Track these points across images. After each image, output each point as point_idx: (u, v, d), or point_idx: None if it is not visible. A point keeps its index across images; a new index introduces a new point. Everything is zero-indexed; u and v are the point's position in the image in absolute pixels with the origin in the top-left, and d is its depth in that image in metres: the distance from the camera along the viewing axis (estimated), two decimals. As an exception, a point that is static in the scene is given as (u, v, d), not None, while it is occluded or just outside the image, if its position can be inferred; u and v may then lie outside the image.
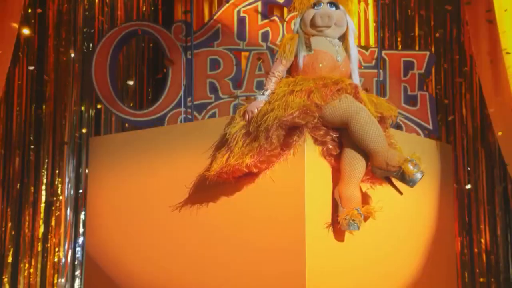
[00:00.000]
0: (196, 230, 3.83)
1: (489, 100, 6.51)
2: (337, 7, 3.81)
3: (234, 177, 3.59)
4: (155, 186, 4.00)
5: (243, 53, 6.86)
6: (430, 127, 6.85)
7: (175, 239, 3.91)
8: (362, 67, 6.82)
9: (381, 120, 3.66)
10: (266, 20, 6.94)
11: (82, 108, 7.31)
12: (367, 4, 7.22)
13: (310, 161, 3.54)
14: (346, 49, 3.85)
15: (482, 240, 6.96)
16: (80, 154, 7.17)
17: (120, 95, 6.95)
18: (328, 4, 3.80)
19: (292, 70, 3.79)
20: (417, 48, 7.31)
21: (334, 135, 3.62)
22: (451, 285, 4.41)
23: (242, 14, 6.90)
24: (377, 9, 6.71)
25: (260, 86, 6.73)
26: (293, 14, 4.15)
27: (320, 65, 3.70)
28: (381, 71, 6.83)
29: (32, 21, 7.11)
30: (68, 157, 7.07)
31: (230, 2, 6.73)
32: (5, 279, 6.81)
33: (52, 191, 7.06)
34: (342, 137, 3.62)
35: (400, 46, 7.35)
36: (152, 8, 7.59)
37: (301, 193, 3.50)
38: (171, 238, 3.92)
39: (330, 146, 3.61)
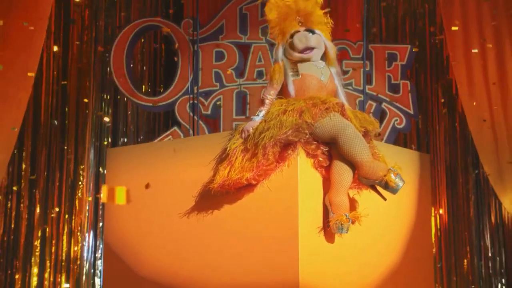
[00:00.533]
0: (201, 234, 3.90)
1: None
2: (313, 33, 3.92)
3: (235, 188, 3.74)
4: (166, 192, 4.05)
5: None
6: (411, 112, 7.09)
7: (183, 240, 3.98)
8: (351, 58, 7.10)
9: (366, 133, 3.81)
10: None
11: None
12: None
13: (303, 172, 3.68)
14: (329, 63, 3.96)
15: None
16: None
17: (136, 84, 7.18)
18: (305, 30, 3.93)
19: (283, 93, 3.89)
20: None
21: (324, 149, 3.75)
22: (429, 271, 4.50)
23: (244, 11, 7.16)
24: (364, 6, 6.84)
25: (260, 75, 7.08)
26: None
27: (308, 87, 3.83)
28: (368, 62, 7.08)
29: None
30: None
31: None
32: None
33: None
34: (331, 150, 3.74)
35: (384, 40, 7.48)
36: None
37: (295, 201, 3.62)
38: (179, 239, 3.99)
39: (321, 159, 3.75)
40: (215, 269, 3.88)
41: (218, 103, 7.08)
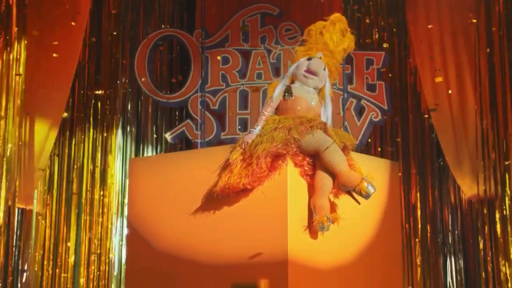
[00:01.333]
0: (207, 226, 3.86)
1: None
2: (324, 68, 3.94)
3: (234, 192, 3.71)
4: (181, 191, 4.01)
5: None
6: (386, 107, 7.10)
7: (193, 227, 3.92)
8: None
9: (344, 148, 3.79)
10: (264, 28, 7.16)
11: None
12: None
13: (291, 179, 3.67)
14: (322, 97, 3.96)
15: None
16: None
17: (156, 84, 7.19)
18: (318, 59, 3.93)
19: (277, 110, 3.88)
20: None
21: (309, 160, 3.73)
22: (396, 251, 4.44)
23: (246, 23, 7.16)
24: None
25: (259, 77, 7.07)
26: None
27: (299, 107, 3.82)
28: (349, 66, 7.10)
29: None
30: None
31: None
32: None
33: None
34: (315, 162, 3.72)
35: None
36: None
37: (284, 204, 3.62)
38: (191, 225, 3.93)
39: (306, 168, 3.73)
40: (218, 248, 3.86)
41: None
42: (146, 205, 4.22)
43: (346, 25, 4.09)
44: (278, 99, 3.89)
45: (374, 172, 3.81)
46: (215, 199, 3.81)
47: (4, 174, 6.08)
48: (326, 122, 3.85)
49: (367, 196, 3.62)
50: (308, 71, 3.91)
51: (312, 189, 3.73)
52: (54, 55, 6.54)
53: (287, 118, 3.77)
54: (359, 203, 3.83)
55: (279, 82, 3.98)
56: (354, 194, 3.75)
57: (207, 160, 3.95)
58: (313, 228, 3.69)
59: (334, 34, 4.03)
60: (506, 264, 6.35)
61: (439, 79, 6.83)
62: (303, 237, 3.70)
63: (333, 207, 3.76)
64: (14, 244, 6.36)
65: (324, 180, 3.70)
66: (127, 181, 6.13)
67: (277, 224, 3.64)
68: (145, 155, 7.35)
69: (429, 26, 7.06)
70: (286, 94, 3.88)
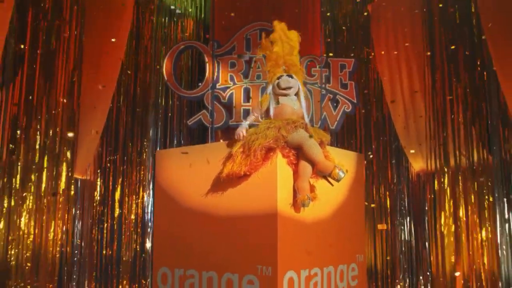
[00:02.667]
0: (216, 204, 3.81)
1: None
2: (292, 77, 3.86)
3: (236, 177, 3.68)
4: (196, 178, 3.93)
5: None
6: (355, 101, 7.01)
7: (207, 198, 3.84)
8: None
9: (321, 142, 3.74)
10: (261, 40, 7.04)
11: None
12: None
13: (280, 167, 3.62)
14: (298, 98, 3.88)
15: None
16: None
17: (179, 83, 7.08)
18: (286, 76, 3.86)
19: (268, 114, 3.84)
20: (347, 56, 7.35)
21: (294, 152, 3.67)
22: (360, 213, 4.38)
23: (248, 37, 7.05)
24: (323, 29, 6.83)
25: (259, 78, 6.98)
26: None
27: (285, 112, 3.77)
28: (327, 69, 7.00)
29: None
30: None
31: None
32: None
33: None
34: (298, 153, 3.68)
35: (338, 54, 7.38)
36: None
37: (274, 186, 3.58)
38: (206, 197, 3.85)
39: (292, 158, 3.67)
40: (225, 215, 3.80)
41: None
42: (169, 185, 4.15)
43: (285, 29, 3.89)
44: (266, 106, 3.85)
45: (344, 161, 3.78)
46: (222, 183, 3.76)
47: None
48: (307, 123, 3.78)
49: (339, 179, 3.57)
50: (281, 87, 3.83)
51: (296, 175, 3.69)
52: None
53: (277, 120, 3.73)
54: (332, 185, 3.79)
55: (268, 96, 3.89)
56: (329, 178, 3.71)
57: (215, 152, 3.88)
58: (296, 205, 3.65)
59: (285, 43, 3.88)
60: (444, 221, 6.32)
61: None
62: (289, 211, 3.65)
63: (312, 188, 3.72)
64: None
65: (305, 167, 3.66)
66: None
67: (269, 201, 3.59)
68: (172, 139, 7.31)
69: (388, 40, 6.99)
70: (275, 102, 3.83)
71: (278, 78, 3.86)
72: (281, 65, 3.91)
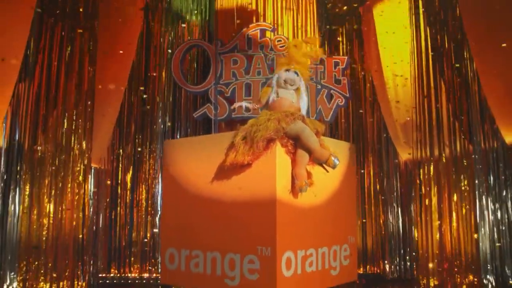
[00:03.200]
0: (221, 189, 3.73)
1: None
2: (297, 74, 3.81)
3: (239, 166, 3.61)
4: (202, 167, 3.85)
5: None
6: (348, 95, 6.90)
7: (212, 184, 3.77)
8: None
9: (317, 133, 3.68)
10: (262, 39, 6.92)
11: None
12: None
13: (279, 156, 3.57)
14: (298, 94, 3.81)
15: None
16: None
17: (186, 79, 6.95)
18: (293, 72, 3.80)
19: (269, 107, 3.78)
20: (341, 54, 7.23)
21: (292, 142, 3.62)
22: (353, 199, 4.34)
23: (249, 36, 6.91)
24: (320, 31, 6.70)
25: (259, 74, 6.87)
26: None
27: (284, 105, 3.72)
28: (322, 66, 6.86)
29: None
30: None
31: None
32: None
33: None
34: (296, 143, 3.62)
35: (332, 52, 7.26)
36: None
37: (274, 173, 3.51)
38: (212, 183, 3.77)
39: (290, 148, 3.61)
40: (228, 200, 3.73)
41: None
42: (176, 172, 4.08)
43: (315, 43, 3.98)
44: (266, 98, 3.81)
45: (338, 151, 3.71)
46: (225, 171, 3.69)
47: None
48: (304, 115, 3.71)
49: (334, 166, 3.53)
50: (285, 81, 3.78)
51: (294, 163, 3.64)
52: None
53: (277, 112, 3.66)
54: (327, 171, 3.72)
55: (270, 87, 3.83)
56: (325, 166, 3.65)
57: (219, 144, 3.81)
58: (295, 190, 3.60)
59: (304, 50, 3.89)
60: (427, 202, 6.25)
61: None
62: (287, 196, 3.59)
63: (309, 175, 3.67)
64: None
65: (303, 156, 3.61)
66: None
67: (269, 188, 3.53)
68: (179, 130, 7.21)
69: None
70: (275, 95, 3.78)
71: (287, 70, 3.82)
72: (293, 63, 3.87)
